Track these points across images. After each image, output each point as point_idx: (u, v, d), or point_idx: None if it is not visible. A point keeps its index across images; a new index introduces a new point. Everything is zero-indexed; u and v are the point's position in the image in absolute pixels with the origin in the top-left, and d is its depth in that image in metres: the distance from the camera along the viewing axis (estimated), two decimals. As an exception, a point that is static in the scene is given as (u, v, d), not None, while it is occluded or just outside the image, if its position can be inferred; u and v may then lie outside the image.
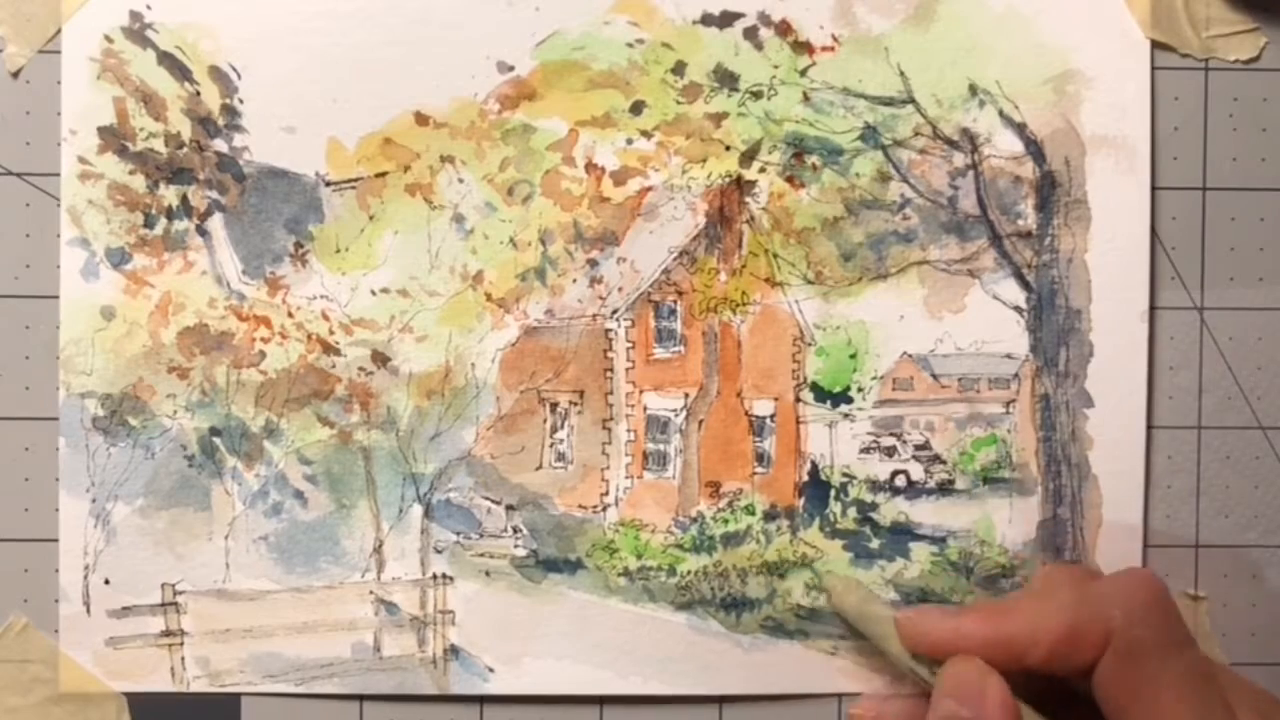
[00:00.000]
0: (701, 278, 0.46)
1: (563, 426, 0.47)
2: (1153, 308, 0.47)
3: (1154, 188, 0.47)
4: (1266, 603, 0.48)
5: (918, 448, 0.47)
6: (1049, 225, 0.47)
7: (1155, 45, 0.47)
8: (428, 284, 0.46)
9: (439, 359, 0.46)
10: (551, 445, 0.47)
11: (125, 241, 0.45)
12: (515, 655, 0.46)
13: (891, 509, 0.47)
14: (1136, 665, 0.34)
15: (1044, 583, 0.41)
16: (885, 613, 0.42)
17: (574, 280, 0.46)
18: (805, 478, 0.47)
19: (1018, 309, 0.47)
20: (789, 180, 0.46)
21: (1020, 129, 0.47)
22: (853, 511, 0.47)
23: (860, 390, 0.47)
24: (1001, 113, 0.47)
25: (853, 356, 0.47)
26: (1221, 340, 0.48)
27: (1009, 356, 0.47)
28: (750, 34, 0.46)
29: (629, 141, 0.46)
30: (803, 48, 0.46)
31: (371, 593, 0.46)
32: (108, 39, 0.45)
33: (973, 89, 0.46)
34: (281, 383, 0.46)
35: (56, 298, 0.45)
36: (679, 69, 0.46)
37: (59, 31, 0.45)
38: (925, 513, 0.47)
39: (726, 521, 0.47)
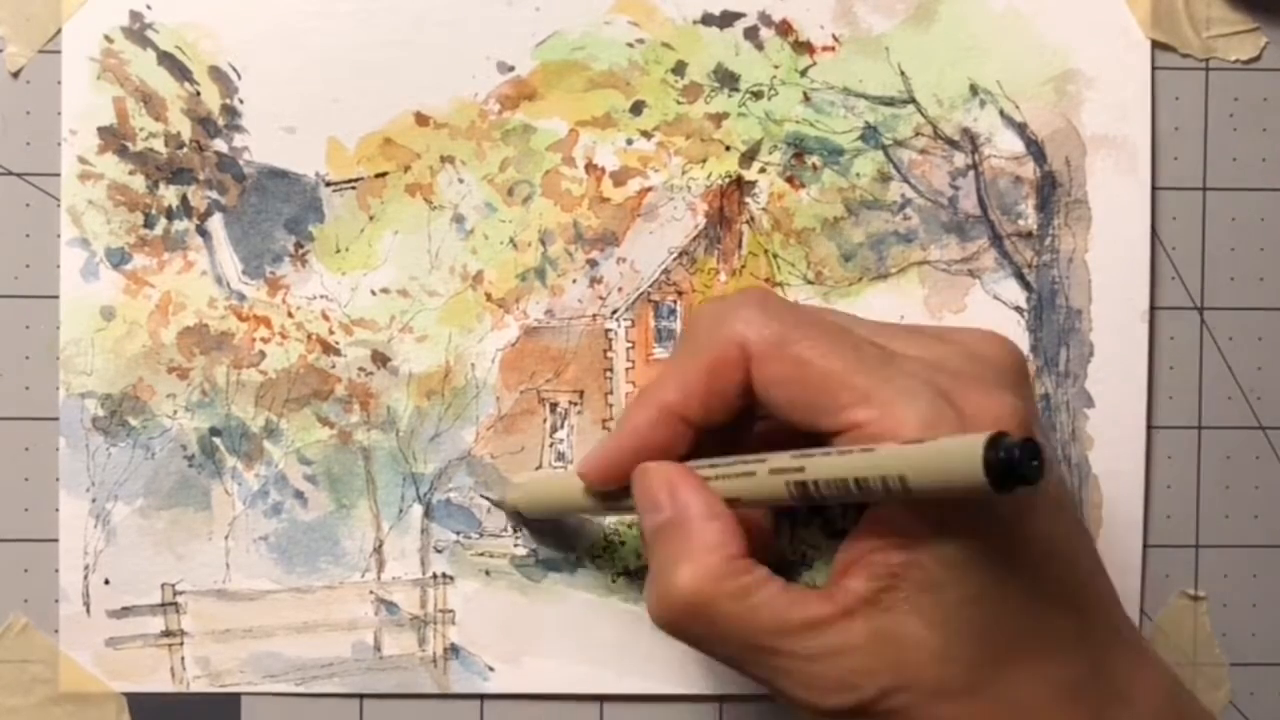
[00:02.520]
0: (701, 278, 0.46)
1: (563, 426, 0.47)
2: (1153, 308, 0.47)
3: (1154, 188, 0.47)
4: (1266, 603, 0.48)
5: (918, 448, 0.47)
6: (1049, 225, 0.47)
7: (1155, 45, 0.47)
8: (428, 284, 0.46)
9: (439, 359, 0.46)
10: (551, 445, 0.47)
11: (125, 242, 0.45)
12: (515, 654, 0.46)
13: (891, 509, 0.47)
14: (779, 359, 0.34)
15: (677, 348, 0.41)
16: (562, 479, 0.40)
17: (574, 280, 0.46)
18: (805, 478, 0.47)
19: (1018, 309, 0.47)
20: (789, 180, 0.46)
21: (1021, 129, 0.47)
22: (853, 512, 0.47)
23: (860, 390, 0.47)
24: (1002, 113, 0.47)
25: (853, 357, 0.47)
26: (1221, 340, 0.48)
27: (1009, 357, 0.47)
28: (751, 34, 0.46)
29: (629, 142, 0.46)
30: (803, 48, 0.46)
31: (371, 592, 0.46)
32: (108, 39, 0.45)
33: (973, 89, 0.46)
34: (281, 383, 0.46)
35: (56, 298, 0.45)
36: (679, 69, 0.46)
37: (59, 31, 0.45)
38: (925, 513, 0.47)
39: (726, 521, 0.47)
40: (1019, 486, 0.27)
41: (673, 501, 0.35)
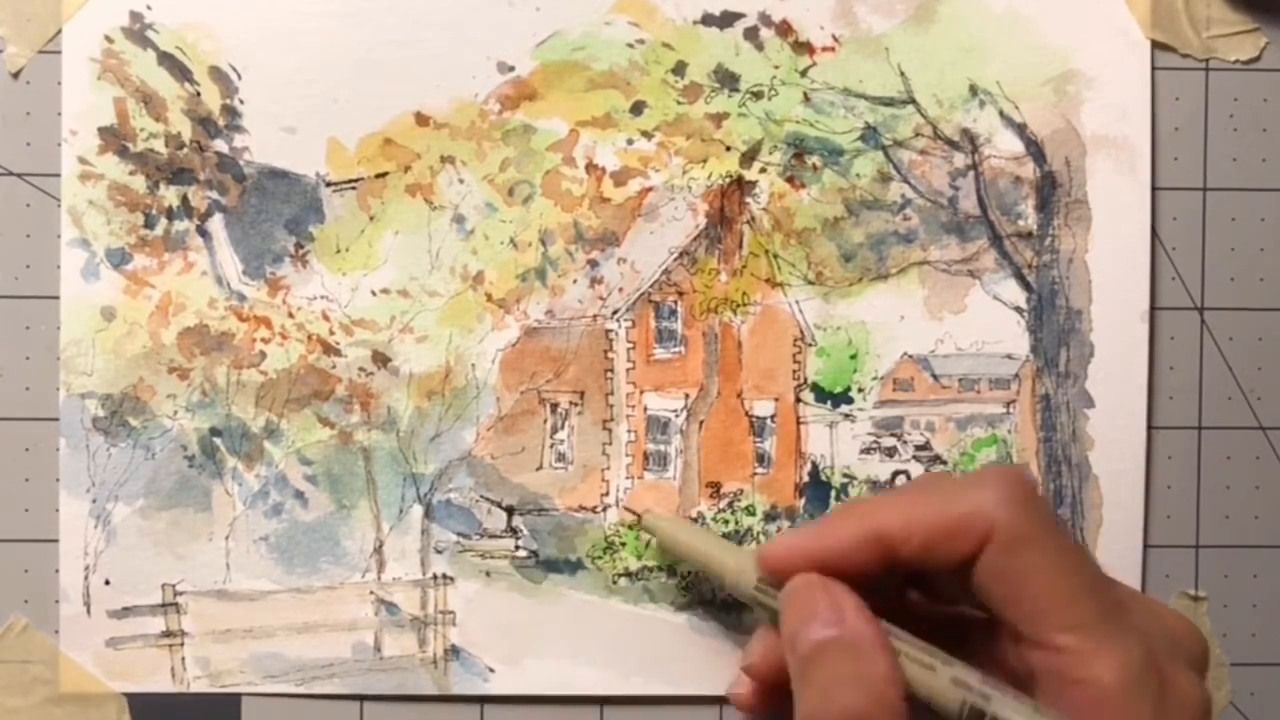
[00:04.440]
0: (702, 278, 0.46)
1: (563, 427, 0.47)
2: (1153, 308, 0.47)
3: (1154, 188, 0.47)
4: (1266, 603, 0.48)
5: (918, 448, 0.47)
6: (1049, 226, 0.47)
7: (1155, 45, 0.47)
8: (428, 284, 0.46)
9: (439, 359, 0.46)
10: (552, 446, 0.47)
11: (125, 242, 0.45)
12: (516, 655, 0.46)
13: (892, 509, 0.47)
14: (1019, 555, 0.34)
15: (908, 487, 0.40)
16: (733, 551, 0.40)
17: (574, 281, 0.46)
18: (806, 478, 0.47)
19: (1018, 309, 0.47)
20: (789, 181, 0.46)
21: (1020, 129, 0.47)
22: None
23: (861, 391, 0.47)
24: (1002, 113, 0.47)
25: (853, 357, 0.47)
26: (1221, 340, 0.48)
27: (1009, 357, 0.47)
28: (751, 34, 0.46)
29: (629, 142, 0.46)
30: (803, 48, 0.46)
31: (372, 593, 0.46)
32: (108, 39, 0.45)
33: (973, 89, 0.46)
34: (282, 383, 0.46)
35: (57, 298, 0.45)
36: (679, 69, 0.46)
37: (59, 32, 0.45)
38: (926, 513, 0.47)
39: (727, 522, 0.47)
40: None
41: (846, 620, 0.34)
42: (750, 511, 0.47)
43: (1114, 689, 0.32)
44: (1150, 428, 0.47)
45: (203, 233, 0.45)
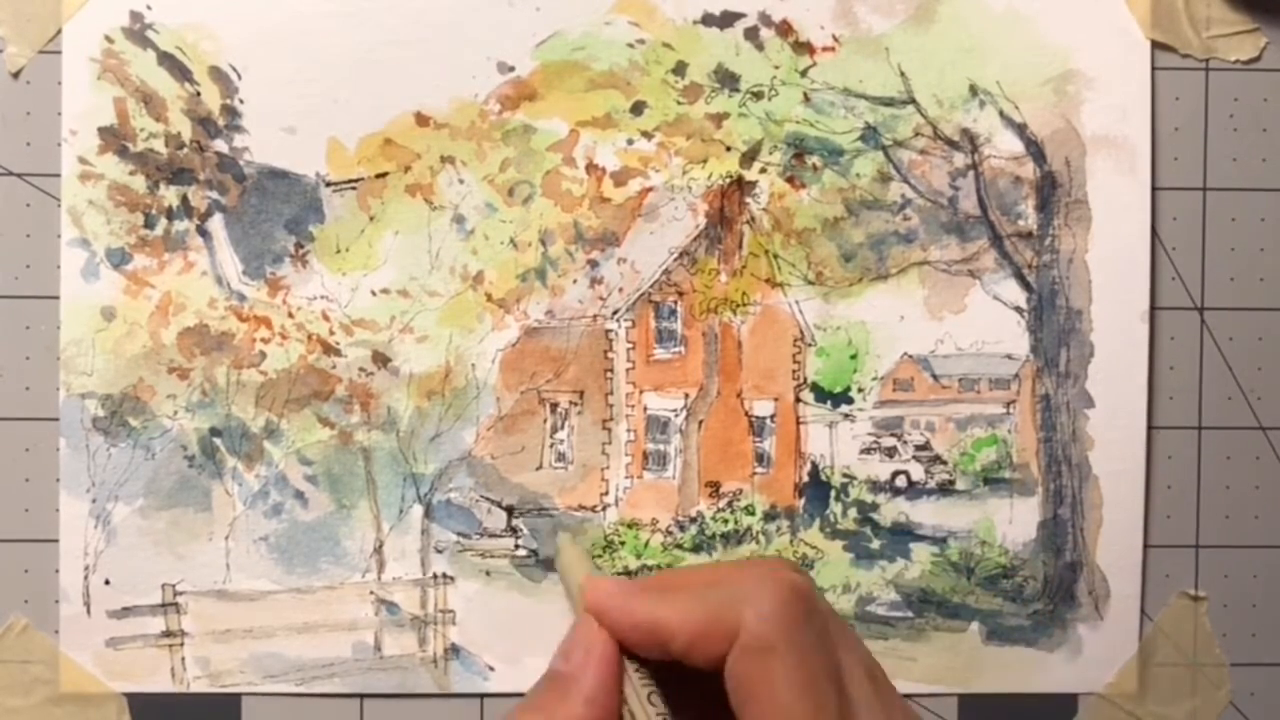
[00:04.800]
0: (702, 278, 0.46)
1: (563, 427, 0.47)
2: (1153, 308, 0.47)
3: (1154, 188, 0.47)
4: (1266, 603, 0.48)
5: (918, 448, 0.47)
6: (1049, 225, 0.47)
7: (1155, 45, 0.47)
8: (428, 284, 0.46)
9: (439, 359, 0.46)
10: (552, 445, 0.47)
11: (125, 242, 0.45)
12: (515, 654, 0.46)
13: (892, 509, 0.47)
14: (759, 663, 0.33)
15: (711, 570, 0.41)
16: (580, 572, 0.40)
17: (574, 281, 0.46)
18: (805, 478, 0.47)
19: (1018, 309, 0.47)
20: (789, 181, 0.46)
21: (1020, 129, 0.47)
22: (853, 512, 0.47)
23: (861, 391, 0.47)
24: (1002, 113, 0.47)
25: (853, 357, 0.47)
26: (1221, 340, 0.48)
27: (1009, 357, 0.47)
28: (751, 34, 0.46)
29: (629, 142, 0.46)
30: (803, 48, 0.46)
31: (372, 593, 0.46)
32: (108, 39, 0.45)
33: (973, 89, 0.46)
34: (282, 383, 0.46)
35: (57, 298, 0.45)
36: (679, 69, 0.46)
37: (59, 32, 0.45)
38: (926, 513, 0.47)
39: (726, 522, 0.47)
40: None
41: (581, 665, 0.36)
42: (750, 511, 0.47)
43: None
44: (1150, 428, 0.47)
45: (203, 233, 0.45)
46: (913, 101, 0.46)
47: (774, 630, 0.34)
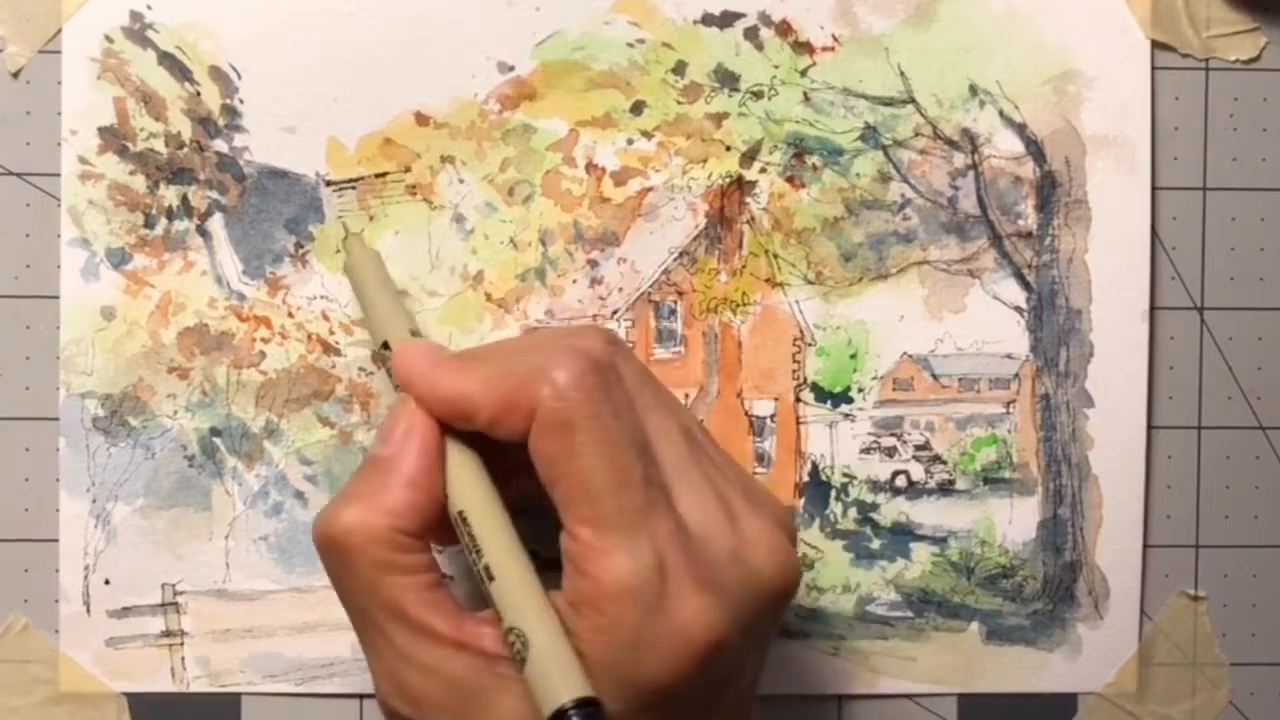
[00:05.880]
0: (702, 278, 0.46)
1: (563, 427, 0.46)
2: (1153, 308, 0.47)
3: (1154, 188, 0.47)
4: (1266, 603, 0.48)
5: (918, 448, 0.47)
6: (1049, 225, 0.47)
7: (1155, 45, 0.47)
8: (428, 284, 0.46)
9: (439, 359, 0.46)
10: (552, 445, 0.46)
11: (125, 242, 0.45)
12: (515, 655, 0.46)
13: (892, 509, 0.47)
14: (558, 439, 0.33)
15: (518, 341, 0.41)
16: (392, 324, 0.40)
17: (574, 281, 0.46)
18: (805, 478, 0.47)
19: (1018, 309, 0.47)
20: (789, 180, 0.46)
21: (1020, 129, 0.47)
22: (853, 512, 0.47)
23: (860, 390, 0.47)
24: (1002, 113, 0.47)
25: (853, 357, 0.47)
26: (1221, 340, 0.48)
27: (1009, 357, 0.47)
28: (751, 34, 0.46)
29: (629, 142, 0.46)
30: (803, 48, 0.46)
31: (372, 593, 0.46)
32: (108, 39, 0.45)
33: (973, 89, 0.46)
34: (282, 383, 0.46)
35: (56, 298, 0.45)
36: (679, 69, 0.46)
37: (59, 31, 0.45)
38: (926, 513, 0.47)
39: (727, 521, 0.47)
40: None
41: (400, 448, 0.35)
42: (750, 511, 0.47)
43: (610, 591, 0.32)
44: (1150, 428, 0.47)
45: (203, 233, 0.45)
46: (913, 101, 0.46)
47: (570, 406, 0.33)
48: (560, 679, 0.32)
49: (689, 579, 0.32)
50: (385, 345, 0.40)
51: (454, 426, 0.36)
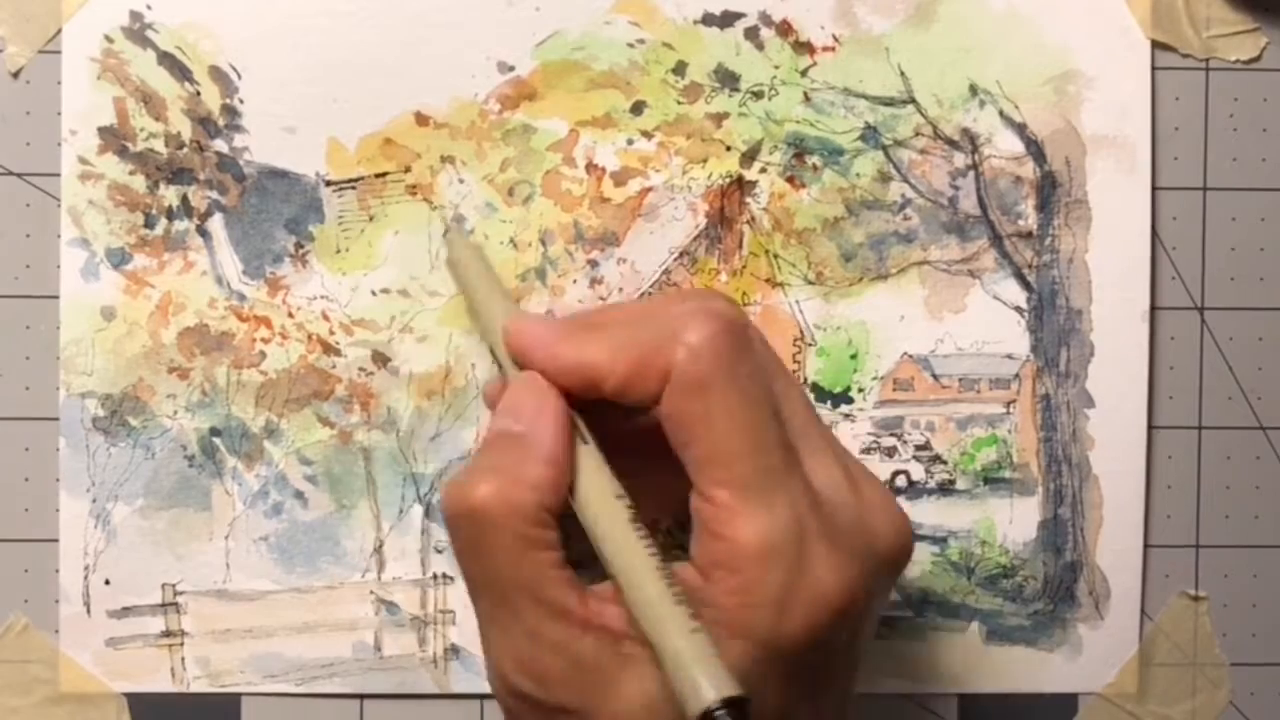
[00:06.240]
0: (702, 278, 0.46)
1: (563, 427, 0.46)
2: (1153, 308, 0.47)
3: (1154, 188, 0.47)
4: (1266, 603, 0.48)
5: (918, 448, 0.47)
6: (1049, 225, 0.47)
7: (1155, 45, 0.47)
8: (428, 284, 0.46)
9: (439, 359, 0.46)
10: (552, 445, 0.46)
11: (125, 242, 0.45)
12: (515, 655, 0.46)
13: (892, 509, 0.47)
14: (695, 400, 0.32)
15: (639, 306, 0.40)
16: (499, 306, 0.39)
17: (574, 281, 0.46)
18: (806, 478, 0.47)
19: (1018, 309, 0.47)
20: (790, 181, 0.46)
21: (1020, 129, 0.47)
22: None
23: (861, 391, 0.47)
24: (1002, 113, 0.47)
25: (853, 357, 0.47)
26: (1221, 340, 0.48)
27: (1010, 357, 0.47)
28: (751, 34, 0.46)
29: (629, 142, 0.46)
30: (803, 48, 0.46)
31: (372, 593, 0.46)
32: (108, 39, 0.45)
33: (973, 89, 0.46)
34: (282, 383, 0.46)
35: (56, 298, 0.45)
36: (680, 69, 0.46)
37: (59, 31, 0.45)
38: (926, 513, 0.47)
39: (727, 522, 0.47)
40: None
41: (534, 423, 0.34)
42: (750, 511, 0.47)
43: (748, 551, 0.31)
44: (1150, 428, 0.47)
45: (203, 233, 0.45)
46: (913, 101, 0.46)
47: (708, 367, 0.33)
48: (705, 676, 0.30)
49: (824, 540, 0.32)
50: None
51: (578, 396, 0.35)
